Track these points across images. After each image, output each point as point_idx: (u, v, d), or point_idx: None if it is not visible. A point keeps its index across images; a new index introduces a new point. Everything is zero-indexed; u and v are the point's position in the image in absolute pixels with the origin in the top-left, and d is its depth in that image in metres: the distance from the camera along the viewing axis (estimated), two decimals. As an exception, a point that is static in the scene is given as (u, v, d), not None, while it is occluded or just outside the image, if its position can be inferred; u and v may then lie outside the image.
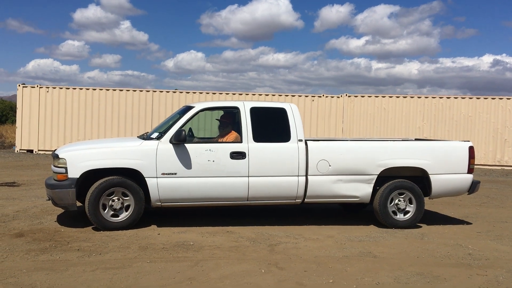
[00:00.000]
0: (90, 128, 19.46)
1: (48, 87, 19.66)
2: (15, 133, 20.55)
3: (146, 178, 6.65)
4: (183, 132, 6.66)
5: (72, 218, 7.34)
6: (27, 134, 19.41)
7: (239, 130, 7.06)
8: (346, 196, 7.27)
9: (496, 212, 8.85)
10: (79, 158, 6.59)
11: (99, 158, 6.64)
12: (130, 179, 6.66)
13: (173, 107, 19.49)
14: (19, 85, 19.58)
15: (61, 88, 19.72)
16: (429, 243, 6.45)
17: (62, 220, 7.20)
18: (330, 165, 7.10)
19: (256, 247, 6.02)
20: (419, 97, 19.52)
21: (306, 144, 7.13)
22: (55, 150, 7.25)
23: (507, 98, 19.21)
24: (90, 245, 5.88)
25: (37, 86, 19.58)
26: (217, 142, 7.22)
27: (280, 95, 19.75)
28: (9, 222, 6.96)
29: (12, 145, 21.20)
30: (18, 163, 15.52)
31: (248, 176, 6.90)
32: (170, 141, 6.74)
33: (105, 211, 6.64)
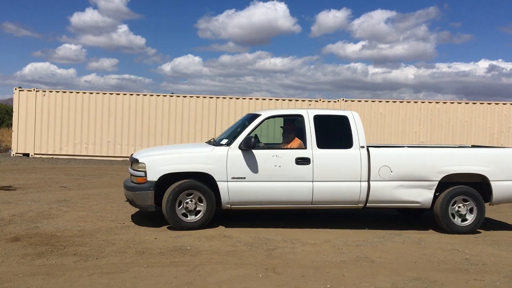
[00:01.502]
0: (87, 132, 19.43)
1: (45, 91, 19.63)
2: (11, 137, 20.48)
3: (217, 182, 7.03)
4: (252, 139, 7.04)
5: (67, 222, 7.31)
6: (23, 138, 19.35)
7: (302, 137, 7.37)
8: (407, 201, 7.42)
9: (493, 217, 8.87)
10: (158, 163, 7.04)
11: (175, 163, 7.08)
12: (203, 183, 7.02)
13: (170, 111, 19.53)
14: (15, 89, 19.54)
15: (58, 92, 19.69)
16: (427, 248, 6.46)
17: (59, 224, 7.17)
18: (391, 171, 7.28)
19: (253, 252, 6.01)
20: (415, 102, 19.60)
21: (368, 150, 7.35)
22: (132, 154, 7.83)
23: (503, 103, 19.33)
24: (86, 250, 5.85)
25: (34, 89, 19.55)
26: (281, 148, 7.55)
27: (277, 100, 19.78)
28: (5, 226, 6.92)
29: (8, 148, 21.13)
30: (14, 167, 15.46)
31: (313, 181, 7.17)
32: (239, 147, 7.11)
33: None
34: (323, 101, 19.70)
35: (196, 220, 7.09)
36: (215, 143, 7.62)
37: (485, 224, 8.23)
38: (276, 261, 5.63)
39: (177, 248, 6.04)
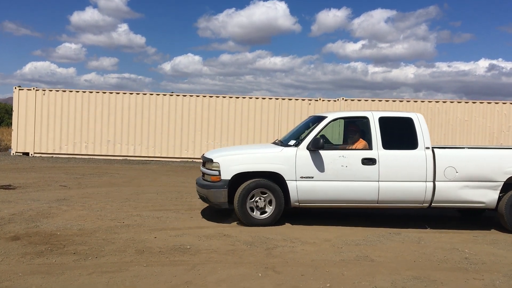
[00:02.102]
0: (87, 131, 19.42)
1: (45, 90, 19.62)
2: (11, 136, 20.47)
3: (286, 181, 7.33)
4: (321, 140, 7.31)
5: (67, 221, 7.32)
6: (23, 137, 19.35)
7: (367, 138, 7.60)
8: (472, 201, 7.53)
9: (492, 216, 8.86)
10: (231, 162, 7.42)
11: (248, 163, 7.46)
12: (271, 182, 7.33)
13: (170, 110, 19.52)
14: (15, 88, 19.53)
15: (58, 91, 19.68)
16: (426, 247, 6.46)
17: (58, 223, 7.17)
18: (457, 172, 7.40)
19: (253, 251, 6.01)
20: (415, 101, 19.60)
21: (433, 151, 7.48)
22: (203, 154, 8.23)
23: (503, 103, 19.32)
24: (86, 249, 5.85)
25: (34, 88, 19.54)
26: (346, 149, 7.68)
27: (277, 99, 19.77)
28: (4, 225, 6.92)
29: (8, 147, 21.12)
30: (14, 166, 15.45)
31: (379, 181, 7.39)
32: (307, 148, 7.38)
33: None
34: (323, 100, 19.69)
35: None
36: (282, 144, 7.93)
37: (485, 223, 8.25)
38: (275, 260, 5.63)
39: (177, 247, 6.04)
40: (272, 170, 7.37)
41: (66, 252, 5.69)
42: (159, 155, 19.50)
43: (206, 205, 9.18)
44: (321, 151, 7.38)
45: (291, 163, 7.34)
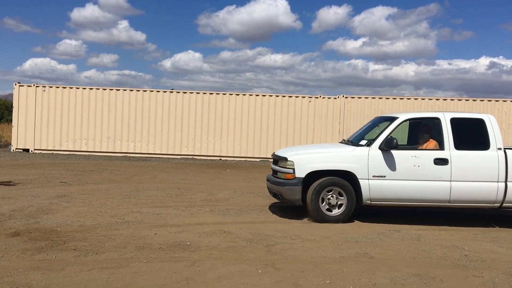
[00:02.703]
0: (87, 128, 19.43)
1: (45, 86, 19.62)
2: (11, 132, 20.48)
3: (359, 180, 7.52)
4: (394, 140, 7.46)
5: (67, 217, 7.32)
6: (23, 133, 19.36)
7: (438, 139, 7.72)
8: None
9: (492, 214, 8.88)
10: (305, 161, 7.64)
11: (321, 161, 7.66)
12: (344, 180, 7.54)
13: (170, 107, 19.53)
14: (15, 84, 19.53)
15: (58, 87, 19.68)
16: (426, 245, 6.47)
17: (59, 219, 7.18)
18: None
19: (253, 248, 6.02)
20: (415, 99, 19.58)
21: (505, 152, 7.60)
22: (274, 152, 8.61)
23: (503, 100, 19.32)
24: (86, 245, 5.86)
25: (34, 85, 19.54)
26: (417, 149, 7.78)
27: (277, 96, 19.75)
28: (5, 222, 6.93)
29: (8, 144, 21.13)
30: (14, 162, 15.46)
31: (450, 181, 7.51)
32: (380, 148, 7.57)
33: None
34: (323, 98, 19.67)
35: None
36: (353, 143, 8.13)
37: (485, 220, 8.26)
38: (275, 257, 5.64)
39: (177, 244, 6.05)
40: (346, 169, 7.56)
41: (67, 248, 5.70)
42: (159, 152, 19.51)
43: (207, 202, 9.20)
44: (392, 151, 7.55)
45: (364, 162, 7.53)
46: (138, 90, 19.82)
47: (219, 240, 6.32)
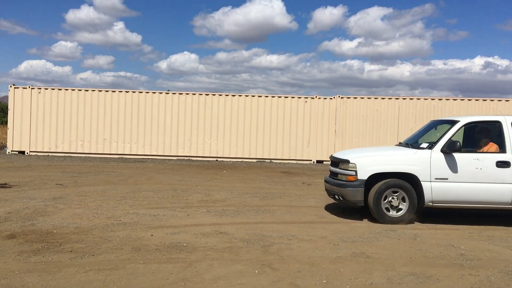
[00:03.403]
0: (82, 129, 19.39)
1: (40, 88, 19.57)
2: (6, 134, 20.41)
3: (421, 182, 7.63)
4: (458, 143, 7.55)
5: (63, 219, 7.30)
6: (18, 135, 19.30)
7: (499, 142, 7.79)
8: None
9: (487, 213, 8.91)
10: (367, 163, 7.82)
11: (383, 164, 7.84)
12: (405, 182, 7.67)
13: (166, 108, 19.52)
14: (10, 86, 19.48)
15: (53, 89, 19.63)
16: (422, 244, 6.49)
17: (55, 221, 7.16)
18: None
19: (249, 248, 6.02)
20: (411, 99, 19.64)
21: None
22: (333, 155, 8.74)
23: (498, 100, 19.41)
24: (83, 246, 5.85)
25: (29, 87, 19.48)
26: (478, 152, 7.83)
27: (273, 97, 19.77)
28: (1, 224, 6.90)
29: (4, 146, 21.05)
30: (9, 164, 15.41)
31: None
32: (442, 150, 7.66)
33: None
34: (319, 98, 19.71)
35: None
36: (413, 146, 8.28)
37: (481, 219, 8.29)
38: (272, 257, 5.64)
39: (174, 245, 6.04)
40: (408, 171, 7.68)
41: (63, 250, 5.68)
42: (155, 153, 19.49)
43: (204, 203, 9.19)
44: (454, 154, 7.63)
45: (426, 164, 7.64)
46: (134, 92, 19.80)
47: (215, 241, 6.32)
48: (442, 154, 7.66)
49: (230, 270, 5.14)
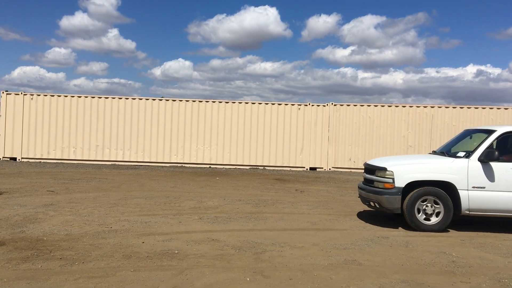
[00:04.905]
0: (75, 136, 19.29)
1: (32, 94, 19.48)
2: (-2, 141, 20.23)
3: (458, 190, 7.70)
4: (496, 152, 7.63)
5: (54, 226, 7.25)
6: (10, 142, 19.17)
7: None
8: None
9: (479, 220, 8.94)
10: (405, 171, 7.88)
11: (421, 172, 7.89)
12: (441, 190, 7.72)
13: (159, 115, 19.48)
14: (3, 92, 19.38)
15: (46, 95, 19.54)
16: (414, 251, 6.49)
17: (45, 228, 7.10)
18: None
19: (241, 255, 6.00)
20: (403, 106, 19.73)
21: None
22: (367, 162, 8.80)
23: (490, 108, 19.55)
24: (73, 254, 5.80)
25: (21, 93, 19.39)
26: None
27: (267, 104, 19.80)
28: (-10, 231, 6.83)
29: (-5, 152, 20.86)
30: (0, 171, 15.28)
31: None
32: (479, 159, 7.72)
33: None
34: (312, 105, 19.76)
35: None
36: (448, 154, 8.34)
37: (472, 226, 8.31)
38: (264, 265, 5.62)
39: (165, 252, 6.01)
40: (446, 180, 7.73)
41: (53, 258, 5.63)
42: (148, 160, 19.42)
43: (196, 210, 9.15)
44: (492, 163, 7.68)
45: (463, 173, 7.71)
46: (127, 98, 19.75)
47: (207, 248, 6.28)
48: (479, 163, 7.72)
49: (222, 277, 5.12)
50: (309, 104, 19.83)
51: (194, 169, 18.64)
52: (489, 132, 8.15)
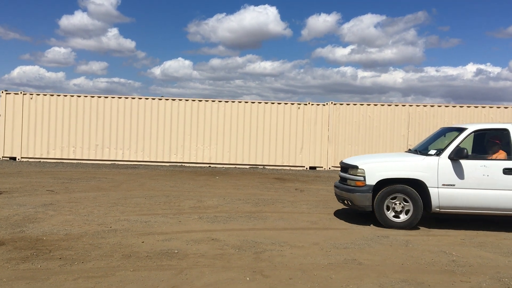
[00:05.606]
0: (75, 136, 19.28)
1: (32, 94, 19.47)
2: (-3, 140, 20.22)
3: (428, 188, 7.76)
4: (465, 150, 7.65)
5: (53, 226, 7.24)
6: (10, 142, 19.17)
7: (507, 149, 7.88)
8: None
9: (479, 219, 8.93)
10: (376, 169, 7.96)
11: (391, 170, 7.97)
12: (411, 188, 7.80)
13: (158, 114, 19.46)
14: (2, 92, 19.36)
15: (45, 95, 19.53)
16: (414, 250, 6.48)
17: (45, 228, 7.09)
18: None
19: (241, 255, 5.99)
20: (403, 105, 19.72)
21: None
22: (342, 161, 8.82)
23: (490, 107, 19.55)
24: (72, 254, 5.79)
25: (21, 92, 19.38)
26: (486, 159, 7.91)
27: (266, 103, 19.79)
28: (-11, 231, 6.82)
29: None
30: (0, 171, 15.27)
31: None
32: (449, 157, 7.77)
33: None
34: (312, 104, 19.75)
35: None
36: (421, 153, 8.39)
37: (472, 225, 8.31)
38: (264, 264, 5.61)
39: (164, 252, 6.00)
40: (416, 177, 7.80)
41: (52, 257, 5.62)
42: (148, 160, 19.41)
43: (196, 209, 9.15)
44: (461, 161, 7.72)
45: (433, 171, 7.75)
46: (127, 97, 19.74)
47: (207, 248, 6.28)
48: (449, 161, 7.76)
49: (221, 277, 5.11)
50: (309, 103, 19.82)
51: (194, 168, 18.64)
52: (460, 130, 8.19)
